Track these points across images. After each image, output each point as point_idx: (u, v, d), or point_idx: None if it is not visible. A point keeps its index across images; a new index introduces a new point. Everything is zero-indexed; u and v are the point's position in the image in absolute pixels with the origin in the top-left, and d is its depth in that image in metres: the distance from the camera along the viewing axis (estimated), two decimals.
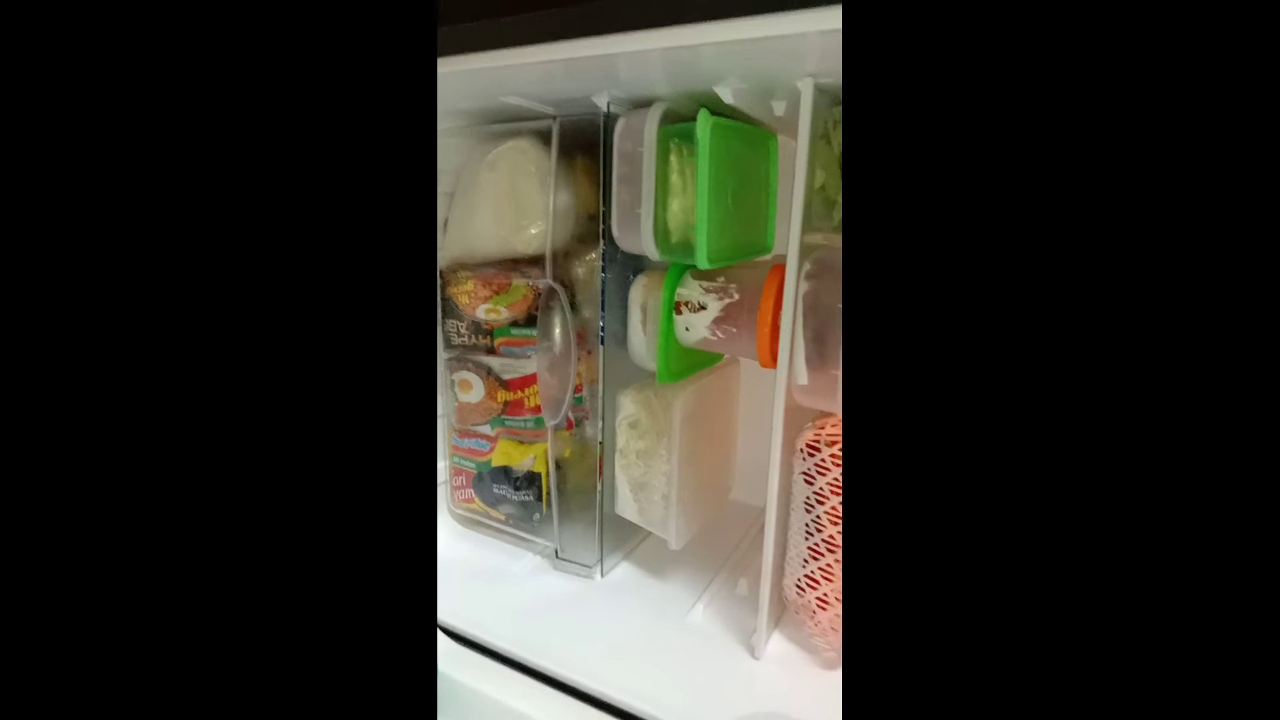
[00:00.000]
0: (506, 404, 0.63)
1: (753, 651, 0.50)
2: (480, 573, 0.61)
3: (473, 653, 0.52)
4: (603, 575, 0.61)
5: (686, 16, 0.35)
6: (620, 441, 0.58)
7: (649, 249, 0.50)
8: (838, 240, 0.47)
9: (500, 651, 0.51)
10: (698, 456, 0.59)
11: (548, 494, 0.63)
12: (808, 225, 0.43)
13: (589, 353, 0.57)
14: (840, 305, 0.42)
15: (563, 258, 0.57)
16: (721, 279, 0.52)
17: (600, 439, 0.58)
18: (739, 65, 0.42)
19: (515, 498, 0.65)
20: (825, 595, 0.48)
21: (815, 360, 0.44)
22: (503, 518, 0.66)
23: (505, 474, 0.65)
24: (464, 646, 0.52)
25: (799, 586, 0.50)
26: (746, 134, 0.52)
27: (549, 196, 0.55)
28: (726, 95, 0.45)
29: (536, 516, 0.64)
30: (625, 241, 0.52)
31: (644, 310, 0.55)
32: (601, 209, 0.53)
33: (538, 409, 0.62)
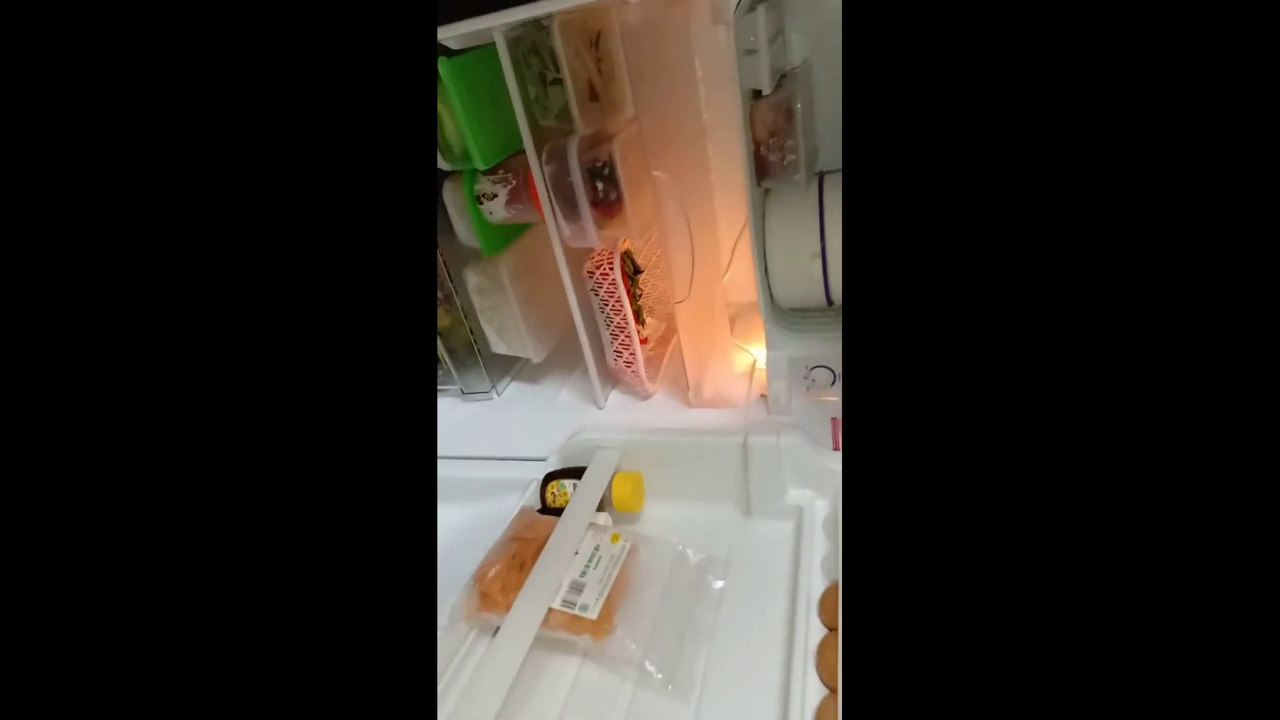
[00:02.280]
0: None
1: (597, 404, 0.79)
2: None
3: None
4: (499, 395, 0.87)
5: None
6: (476, 304, 0.81)
7: (440, 163, 0.69)
8: (566, 127, 0.67)
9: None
10: (535, 295, 0.82)
11: (442, 356, 0.87)
12: (535, 126, 0.63)
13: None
14: (570, 178, 0.64)
15: None
16: (502, 171, 0.71)
17: (463, 306, 0.80)
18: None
19: None
20: (628, 360, 0.76)
21: (569, 215, 0.67)
22: None
23: None
24: None
25: (614, 358, 0.77)
26: (482, 56, 0.69)
27: None
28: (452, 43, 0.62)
29: (441, 372, 0.88)
30: None
31: (456, 206, 0.75)
32: None
33: None
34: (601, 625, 0.49)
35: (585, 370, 0.79)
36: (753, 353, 0.79)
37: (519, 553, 0.54)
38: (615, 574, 0.52)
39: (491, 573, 0.53)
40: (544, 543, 0.53)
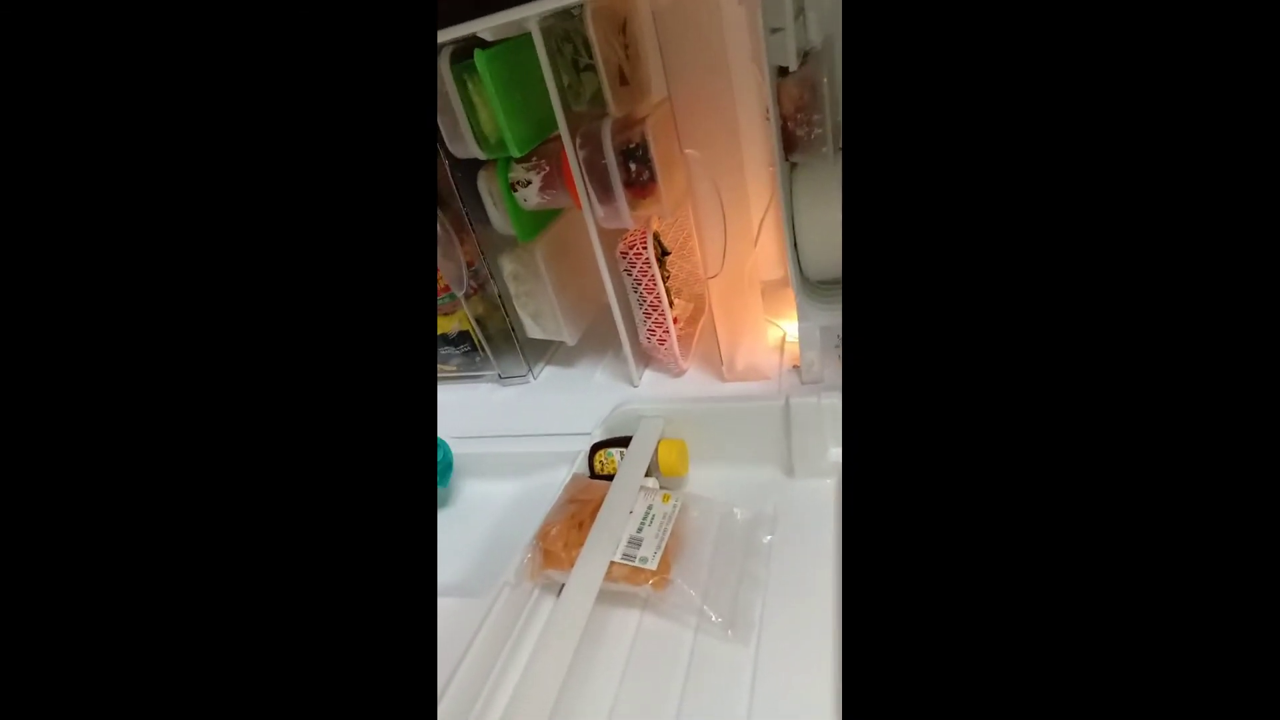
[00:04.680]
0: None
1: (632, 383, 0.81)
2: (453, 404, 0.90)
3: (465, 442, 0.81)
4: (535, 378, 0.90)
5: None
6: (512, 290, 0.83)
7: (476, 152, 0.72)
8: (597, 112, 0.70)
9: (479, 435, 0.80)
10: (568, 279, 0.85)
11: (480, 343, 0.89)
12: (569, 112, 0.66)
13: (471, 234, 0.80)
14: (605, 161, 0.67)
15: None
16: (535, 158, 0.74)
17: (499, 293, 0.83)
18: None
19: (458, 353, 0.91)
20: (661, 337, 0.78)
21: (603, 198, 0.69)
22: (453, 369, 0.93)
23: (443, 339, 0.91)
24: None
25: (647, 336, 0.79)
26: (515, 46, 0.71)
27: None
28: (487, 34, 0.65)
29: (478, 359, 0.91)
30: (460, 151, 0.73)
31: (492, 195, 0.78)
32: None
33: (447, 288, 0.86)
34: (661, 575, 0.52)
35: (619, 351, 0.82)
36: (783, 327, 0.82)
37: (577, 513, 0.57)
38: (669, 530, 0.55)
39: (554, 531, 0.55)
40: (600, 503, 0.56)
